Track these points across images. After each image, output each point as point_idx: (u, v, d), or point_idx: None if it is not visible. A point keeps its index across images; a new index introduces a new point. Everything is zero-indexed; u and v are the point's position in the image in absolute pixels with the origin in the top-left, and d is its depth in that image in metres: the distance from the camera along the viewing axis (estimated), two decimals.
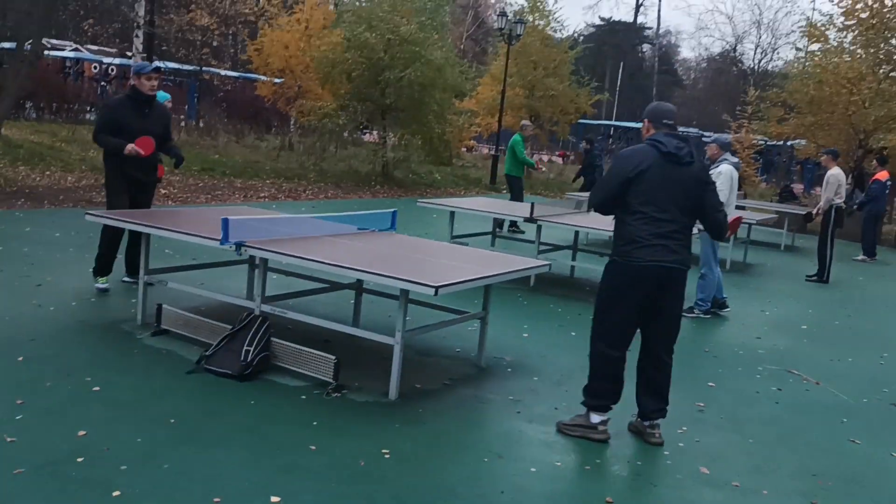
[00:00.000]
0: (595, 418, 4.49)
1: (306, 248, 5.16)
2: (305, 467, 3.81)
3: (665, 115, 4.52)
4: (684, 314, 5.39)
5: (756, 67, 54.49)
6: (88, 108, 25.49)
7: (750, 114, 25.48)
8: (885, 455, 4.78)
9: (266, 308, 5.30)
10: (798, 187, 28.69)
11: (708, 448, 4.58)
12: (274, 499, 3.44)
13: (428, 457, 4.08)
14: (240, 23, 29.32)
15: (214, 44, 29.77)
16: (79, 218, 10.09)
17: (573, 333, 6.99)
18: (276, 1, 24.88)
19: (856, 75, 17.88)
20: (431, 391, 5.09)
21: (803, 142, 21.82)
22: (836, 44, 19.31)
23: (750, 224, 12.29)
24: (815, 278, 11.28)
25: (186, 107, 27.94)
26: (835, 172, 11.23)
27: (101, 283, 6.66)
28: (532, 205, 9.14)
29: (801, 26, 23.91)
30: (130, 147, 6.29)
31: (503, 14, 25.35)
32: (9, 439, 3.75)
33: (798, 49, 26.24)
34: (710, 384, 5.85)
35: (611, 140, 44.97)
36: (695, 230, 4.80)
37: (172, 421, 4.18)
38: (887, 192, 14.88)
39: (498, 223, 12.73)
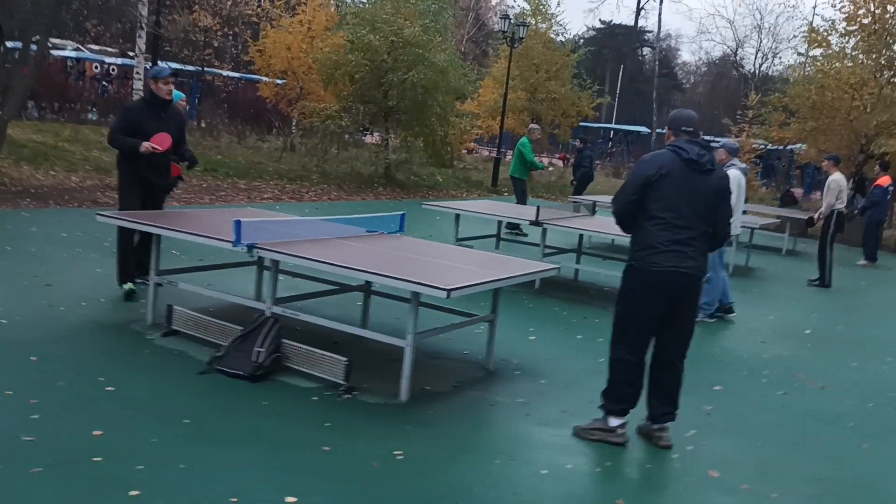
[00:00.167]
0: (614, 422, 4.53)
1: (317, 251, 5.20)
2: (320, 468, 3.84)
3: (685, 122, 4.54)
4: None
5: (757, 72, 54.62)
6: (90, 108, 25.54)
7: (751, 118, 25.55)
8: (892, 459, 4.81)
9: (277, 310, 5.32)
10: (798, 191, 28.74)
11: (716, 452, 4.61)
12: (290, 499, 3.47)
13: (440, 459, 4.12)
14: (242, 24, 29.35)
15: (216, 44, 29.78)
16: (85, 218, 10.16)
17: (579, 337, 7.03)
18: (279, 2, 24.88)
19: (857, 81, 17.94)
20: (441, 393, 5.13)
21: (804, 146, 21.87)
22: (837, 49, 19.36)
23: (752, 228, 12.34)
24: (816, 283, 11.32)
25: (187, 107, 27.97)
26: (836, 178, 11.28)
27: (126, 288, 6.57)
28: (538, 208, 9.18)
29: (803, 31, 23.97)
30: (146, 145, 6.30)
31: (506, 17, 25.37)
32: (25, 438, 3.78)
33: (800, 54, 26.30)
34: (717, 388, 5.88)
35: (610, 143, 45.03)
36: None
37: (186, 421, 4.21)
38: (889, 197, 14.94)
39: (512, 226, 12.80)
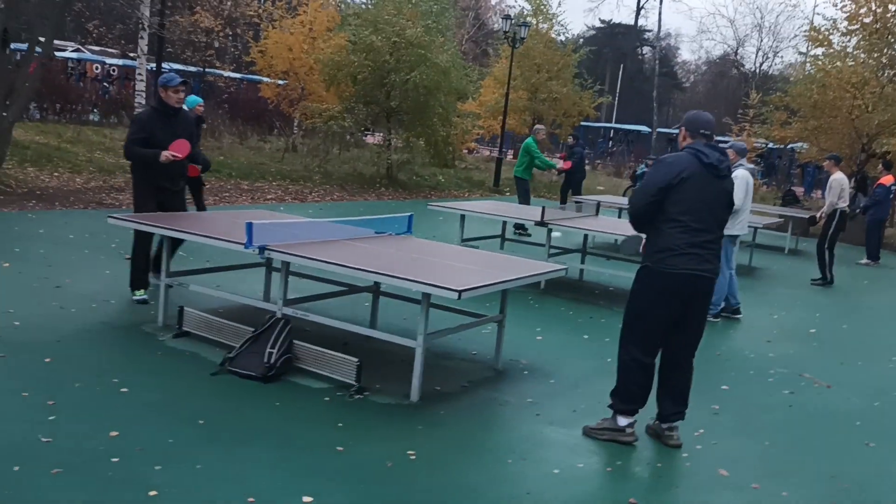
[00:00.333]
0: (623, 421, 4.57)
1: (327, 252, 5.24)
2: (335, 468, 3.88)
3: (703, 125, 4.56)
4: None
5: (757, 71, 54.67)
6: (91, 109, 25.59)
7: (752, 117, 25.61)
8: None
9: (288, 311, 5.37)
10: (799, 190, 28.79)
11: (726, 451, 4.65)
12: (307, 499, 3.52)
13: (453, 458, 4.16)
14: (244, 24, 29.38)
15: (217, 45, 29.80)
16: (91, 219, 10.21)
17: (586, 336, 7.07)
18: (280, 3, 24.92)
19: (859, 80, 17.98)
20: (451, 394, 5.17)
21: (805, 145, 21.91)
22: (839, 48, 19.40)
23: (755, 228, 12.37)
24: (819, 282, 11.36)
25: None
26: (837, 177, 11.33)
27: (138, 296, 6.54)
28: (543, 208, 9.22)
29: (804, 30, 24.01)
30: (166, 154, 6.28)
31: (507, 17, 25.41)
32: (44, 439, 3.82)
33: (801, 53, 26.34)
34: (724, 387, 5.92)
35: (611, 143, 45.03)
36: None
37: (201, 422, 4.25)
38: (891, 196, 14.98)
39: (520, 227, 12.85)
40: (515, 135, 30.13)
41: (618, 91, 53.27)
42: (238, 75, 32.19)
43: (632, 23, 62.74)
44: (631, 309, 4.58)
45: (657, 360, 4.63)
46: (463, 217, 9.56)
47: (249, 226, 5.14)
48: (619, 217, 12.14)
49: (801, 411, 5.56)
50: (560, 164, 15.13)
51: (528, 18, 27.44)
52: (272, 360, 4.98)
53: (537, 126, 14.72)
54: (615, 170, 34.43)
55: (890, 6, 18.33)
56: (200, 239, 5.57)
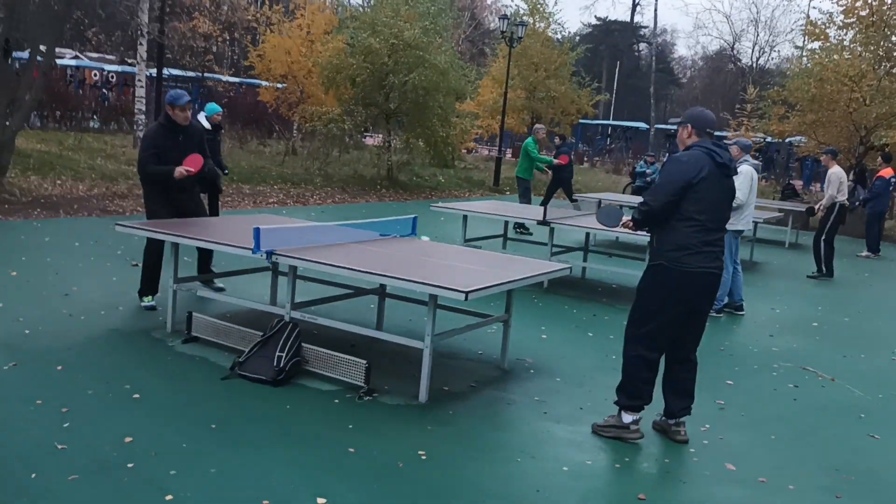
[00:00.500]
0: (628, 418, 4.60)
1: (334, 255, 5.29)
2: (347, 469, 3.93)
3: (709, 123, 4.58)
4: None
5: (754, 65, 54.69)
6: (91, 116, 25.67)
7: (749, 112, 25.64)
8: None
9: (296, 314, 5.42)
10: (798, 183, 28.83)
11: (732, 445, 4.70)
12: (320, 500, 3.57)
13: (463, 457, 4.21)
14: (243, 29, 29.43)
15: (215, 49, 29.87)
16: (96, 227, 10.27)
17: (590, 334, 7.12)
18: (278, 7, 24.98)
19: (856, 73, 18.02)
20: (459, 393, 5.22)
21: (803, 139, 21.96)
22: (836, 41, 19.45)
23: (756, 222, 12.41)
24: (816, 275, 11.40)
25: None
26: (835, 171, 11.38)
27: (146, 302, 6.60)
28: (545, 208, 9.27)
29: (801, 25, 24.04)
30: (180, 170, 6.34)
31: (504, 17, 25.46)
32: (59, 446, 3.88)
33: (797, 47, 26.38)
34: (728, 382, 5.98)
35: (609, 140, 45.08)
36: None
37: (213, 426, 4.30)
38: (891, 188, 15.03)
39: (520, 226, 12.89)
40: (514, 134, 30.19)
41: (615, 88, 53.33)
42: (237, 79, 32.26)
43: (627, 19, 62.79)
44: (640, 306, 4.57)
45: (665, 357, 4.68)
46: (465, 217, 9.61)
47: (257, 231, 5.20)
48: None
49: (805, 405, 5.62)
50: (555, 161, 15.02)
51: (525, 17, 27.48)
52: (281, 364, 5.04)
53: (537, 125, 14.76)
54: (614, 167, 34.50)
55: None
56: (208, 245, 5.63)
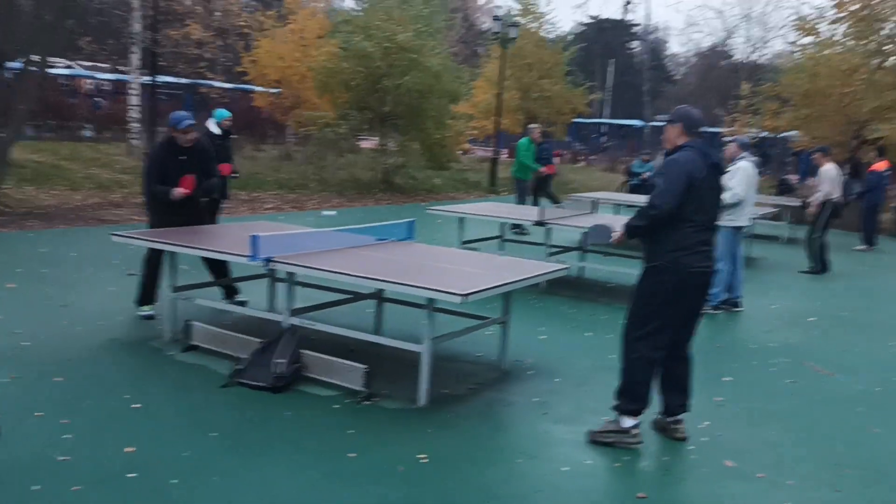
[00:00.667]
0: (628, 422, 4.54)
1: (332, 261, 5.30)
2: (349, 473, 3.95)
3: (699, 123, 4.60)
4: None
5: (748, 61, 54.71)
6: (85, 126, 25.65)
7: (744, 107, 25.67)
8: None
9: (294, 320, 5.43)
10: (794, 178, 28.88)
11: (731, 442, 4.72)
12: None
13: (464, 460, 4.22)
14: (236, 35, 29.41)
15: (208, 55, 29.81)
16: (92, 237, 10.27)
17: (588, 334, 7.14)
18: (271, 13, 24.98)
19: (848, 67, 18.06)
20: (459, 396, 5.24)
21: (798, 133, 21.99)
22: (828, 35, 19.49)
23: (752, 218, 12.43)
24: (809, 271, 11.42)
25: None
26: (827, 168, 11.40)
27: (145, 311, 6.61)
28: (542, 209, 9.29)
29: (793, 21, 24.10)
30: (177, 192, 6.41)
31: (497, 18, 25.47)
32: (61, 458, 3.89)
33: (790, 43, 26.45)
34: (727, 378, 5.99)
35: (605, 138, 45.13)
36: None
37: (215, 434, 4.32)
38: (885, 182, 15.06)
39: (517, 226, 12.88)
40: (509, 134, 30.19)
41: (609, 86, 53.40)
42: (230, 85, 32.22)
43: (619, 17, 62.83)
44: (640, 308, 4.53)
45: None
46: (462, 220, 9.62)
47: (255, 238, 5.21)
48: (617, 213, 12.22)
49: (804, 399, 5.64)
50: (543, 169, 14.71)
51: (517, 18, 27.49)
52: (281, 371, 5.05)
53: (531, 125, 14.77)
54: (609, 165, 34.53)
55: None
56: (206, 253, 5.64)
